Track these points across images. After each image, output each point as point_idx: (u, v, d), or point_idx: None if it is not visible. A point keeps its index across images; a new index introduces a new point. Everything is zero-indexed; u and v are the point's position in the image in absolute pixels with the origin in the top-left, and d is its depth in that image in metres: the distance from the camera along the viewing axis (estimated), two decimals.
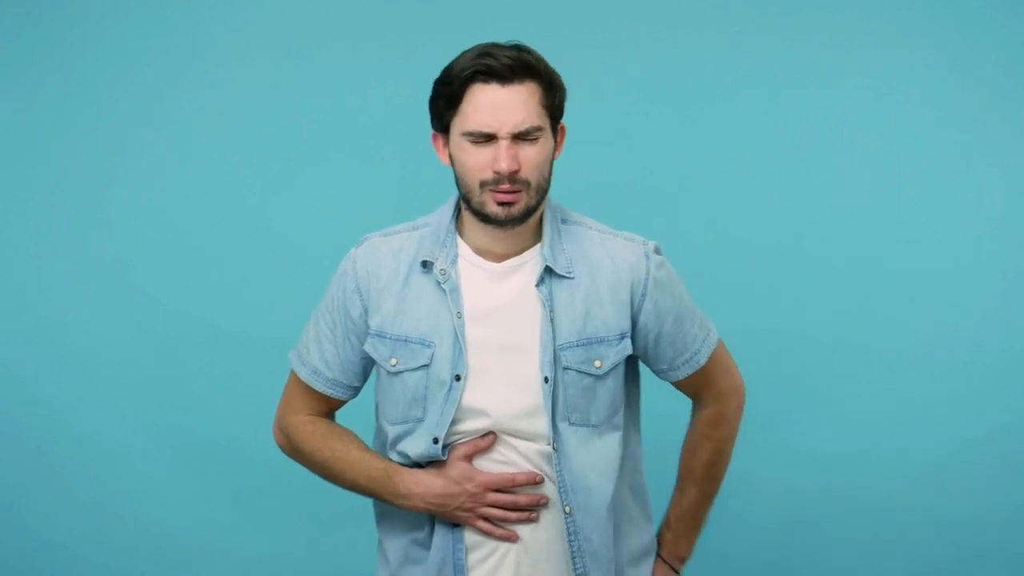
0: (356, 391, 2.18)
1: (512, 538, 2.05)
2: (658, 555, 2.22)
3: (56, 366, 3.20)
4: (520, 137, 1.95)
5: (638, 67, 3.16)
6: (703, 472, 2.21)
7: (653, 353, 2.11)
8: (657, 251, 2.10)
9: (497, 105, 1.94)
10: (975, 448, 3.11)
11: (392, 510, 2.14)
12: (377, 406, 2.15)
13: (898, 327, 3.13)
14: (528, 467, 2.05)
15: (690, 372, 2.13)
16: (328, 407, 2.20)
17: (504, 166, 1.94)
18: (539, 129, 1.96)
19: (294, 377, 2.20)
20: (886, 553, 3.13)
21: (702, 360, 2.13)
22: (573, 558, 2.05)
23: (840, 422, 3.14)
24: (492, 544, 2.06)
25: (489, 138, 1.96)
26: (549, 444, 2.04)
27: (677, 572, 2.23)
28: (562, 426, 2.04)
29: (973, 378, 3.11)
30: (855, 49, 3.13)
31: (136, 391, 3.20)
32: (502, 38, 3.08)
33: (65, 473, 3.21)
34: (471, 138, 1.97)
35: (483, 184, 1.97)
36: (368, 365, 2.15)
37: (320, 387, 2.15)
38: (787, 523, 3.14)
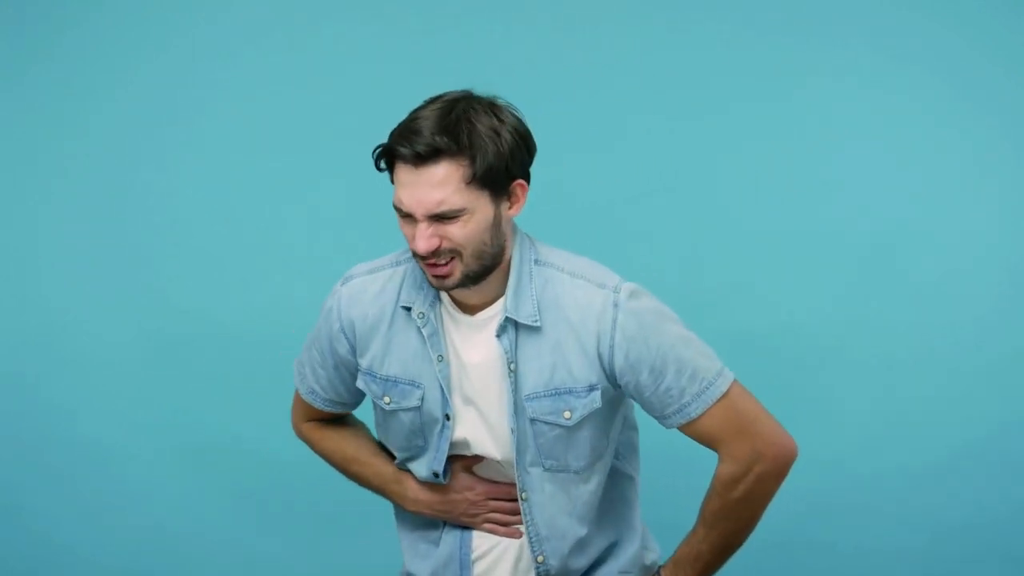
0: (357, 404, 2.21)
1: (516, 535, 2.11)
2: None
3: (56, 366, 3.21)
4: (439, 217, 1.88)
5: (636, 67, 3.15)
6: (711, 522, 2.08)
7: (641, 403, 2.04)
8: (634, 295, 1.98)
9: (412, 186, 1.88)
10: (975, 449, 3.11)
11: None
12: (377, 425, 2.19)
13: (897, 328, 3.13)
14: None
15: (681, 422, 2.00)
16: (333, 415, 2.24)
17: (420, 247, 1.89)
18: (460, 210, 1.87)
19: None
20: (886, 554, 3.13)
21: (693, 413, 1.98)
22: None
23: (839, 422, 3.14)
24: (495, 539, 2.12)
25: (410, 215, 1.91)
26: (520, 493, 2.07)
27: None
28: (534, 471, 2.05)
29: (972, 379, 3.11)
30: (851, 50, 3.12)
31: (137, 391, 3.20)
32: (503, 38, 3.14)
33: (65, 472, 3.22)
34: (398, 212, 1.93)
35: (415, 255, 1.94)
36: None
37: (319, 405, 2.19)
38: (786, 523, 3.14)
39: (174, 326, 3.20)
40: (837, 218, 3.13)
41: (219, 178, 3.22)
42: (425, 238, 1.88)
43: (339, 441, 2.22)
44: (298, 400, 2.23)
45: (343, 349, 2.09)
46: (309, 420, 2.24)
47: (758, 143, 3.14)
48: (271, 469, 3.17)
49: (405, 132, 1.88)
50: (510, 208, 1.95)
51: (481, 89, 1.98)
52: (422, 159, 1.86)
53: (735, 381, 2.01)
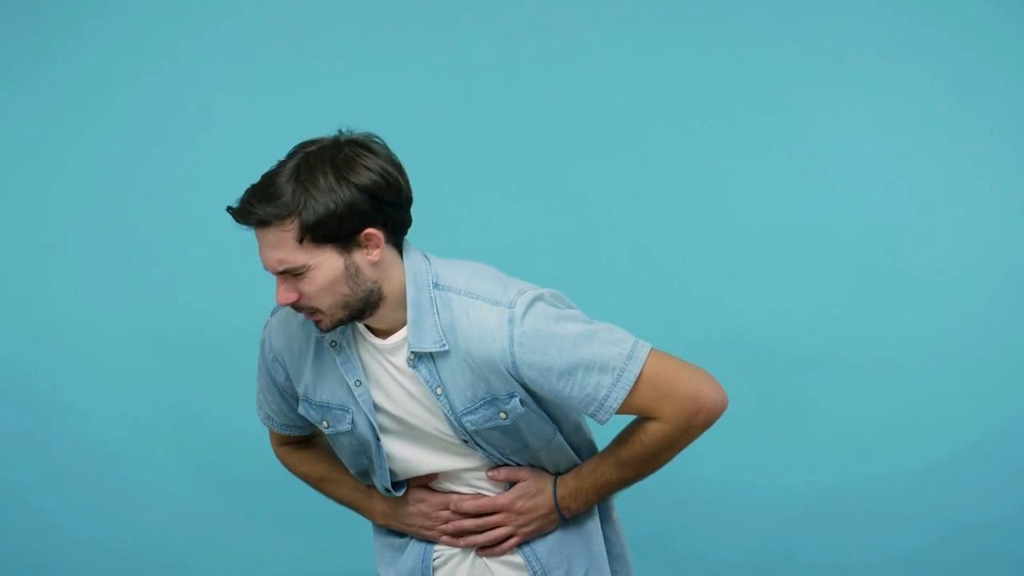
0: (312, 426, 2.25)
1: (471, 545, 2.17)
2: (556, 479, 2.17)
3: (59, 364, 3.21)
4: (288, 272, 1.97)
5: (638, 72, 3.17)
6: (626, 461, 2.11)
7: (562, 404, 2.08)
8: (529, 306, 2.00)
9: (260, 245, 1.99)
10: (975, 450, 3.10)
11: None
12: None
13: (896, 330, 3.13)
14: (496, 488, 2.15)
15: (608, 417, 2.03)
16: (299, 438, 2.31)
17: (278, 301, 1.99)
18: (301, 267, 1.95)
19: None
20: (887, 557, 3.13)
21: (615, 404, 2.01)
22: (529, 562, 2.15)
23: (839, 424, 3.14)
24: (455, 550, 2.18)
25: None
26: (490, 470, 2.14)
27: (557, 507, 2.16)
28: (500, 459, 2.13)
29: (972, 379, 3.11)
30: (850, 54, 3.13)
31: (140, 389, 3.21)
32: (508, 42, 3.15)
33: (65, 471, 3.22)
34: None
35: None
36: None
37: (277, 429, 2.26)
38: (787, 524, 3.15)
39: (176, 324, 3.20)
40: (836, 221, 3.13)
41: (223, 177, 3.21)
42: (281, 292, 1.98)
43: (311, 463, 2.30)
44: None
45: (280, 377, 2.16)
46: (283, 445, 2.31)
47: (758, 146, 3.14)
48: (273, 467, 3.17)
49: (242, 200, 1.99)
50: (367, 255, 1.98)
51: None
52: (255, 224, 1.97)
53: (652, 353, 2.03)
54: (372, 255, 1.98)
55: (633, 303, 3.06)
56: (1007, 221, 3.11)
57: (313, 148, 1.99)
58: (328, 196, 1.93)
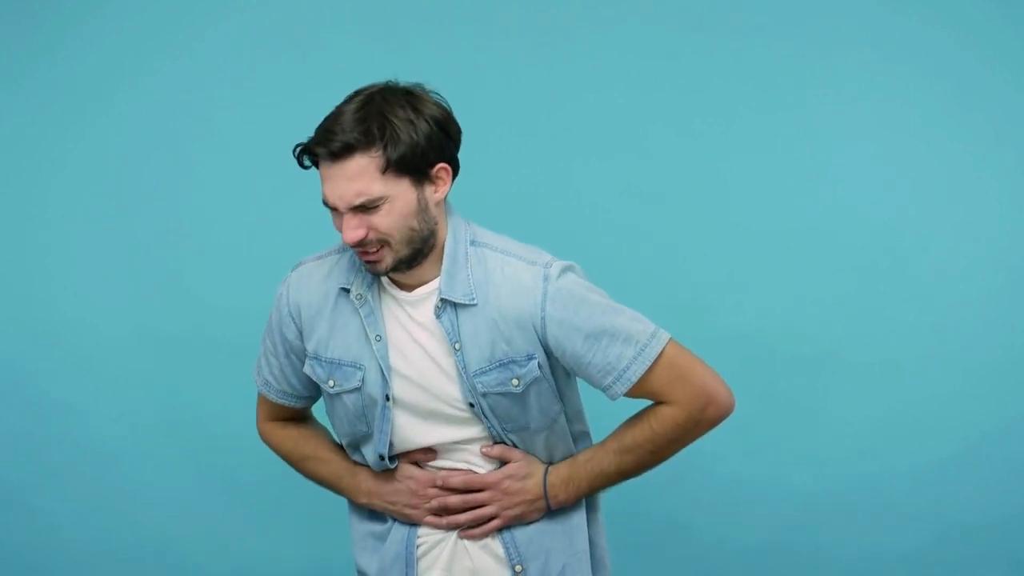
0: (310, 398, 2.27)
1: (454, 526, 2.17)
2: (547, 467, 2.18)
3: (60, 363, 3.21)
4: (361, 207, 1.98)
5: (635, 70, 3.17)
6: (631, 448, 2.13)
7: (582, 376, 2.11)
8: (564, 271, 2.08)
9: (333, 180, 1.98)
10: (975, 450, 3.11)
11: None
12: (328, 415, 2.26)
13: (897, 330, 3.13)
14: (488, 467, 2.15)
15: (624, 389, 2.08)
16: (294, 412, 2.30)
17: (347, 239, 1.99)
18: (379, 199, 1.97)
19: None
20: (887, 557, 3.13)
21: (634, 377, 2.07)
22: (507, 549, 2.16)
23: (839, 424, 3.15)
24: (439, 536, 2.18)
25: (336, 208, 2.01)
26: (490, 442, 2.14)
27: (545, 495, 2.16)
28: (499, 434, 2.13)
29: (972, 379, 3.11)
30: (849, 56, 3.13)
31: (140, 388, 3.21)
32: (510, 42, 3.16)
33: (65, 471, 3.22)
34: (327, 207, 2.02)
35: (348, 245, 2.03)
36: None
37: (273, 397, 2.25)
38: (786, 524, 3.15)
39: (177, 324, 3.20)
40: (836, 221, 3.13)
41: (226, 175, 3.23)
42: (351, 229, 1.98)
43: (297, 440, 2.29)
44: (260, 401, 2.29)
45: (291, 334, 2.16)
46: (270, 421, 2.30)
47: (758, 146, 3.15)
48: (273, 467, 3.17)
49: (321, 131, 1.99)
50: (435, 192, 2.03)
51: (405, 79, 2.07)
52: (336, 155, 1.96)
53: (671, 340, 2.10)
54: (439, 192, 2.03)
55: (633, 303, 3.04)
56: (1007, 221, 3.12)
57: (373, 89, 2.02)
58: (410, 128, 1.98)
